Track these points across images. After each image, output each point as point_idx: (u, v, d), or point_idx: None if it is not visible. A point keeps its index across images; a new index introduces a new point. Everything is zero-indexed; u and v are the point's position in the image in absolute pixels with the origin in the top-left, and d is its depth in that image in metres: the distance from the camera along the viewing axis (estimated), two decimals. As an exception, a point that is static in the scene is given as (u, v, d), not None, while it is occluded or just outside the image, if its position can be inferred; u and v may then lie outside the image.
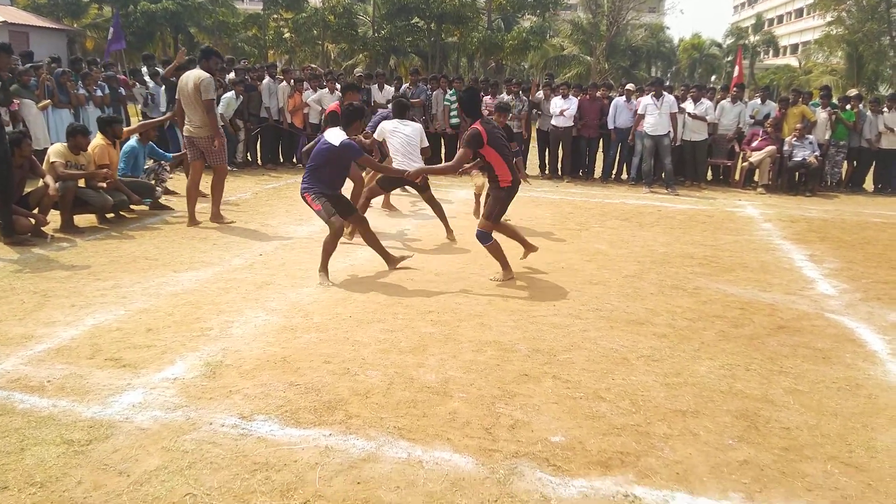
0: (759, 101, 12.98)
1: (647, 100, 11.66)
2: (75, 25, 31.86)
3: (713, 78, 49.33)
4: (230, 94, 11.36)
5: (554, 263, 6.75)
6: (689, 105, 12.14)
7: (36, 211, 6.99)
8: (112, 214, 7.94)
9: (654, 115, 11.53)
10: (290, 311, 5.09)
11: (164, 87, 11.55)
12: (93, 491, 2.82)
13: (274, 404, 3.62)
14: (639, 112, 11.77)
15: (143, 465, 3.01)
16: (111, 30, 15.61)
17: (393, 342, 4.56)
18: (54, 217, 7.21)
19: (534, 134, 13.33)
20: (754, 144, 12.27)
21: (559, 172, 13.03)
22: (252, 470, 3.00)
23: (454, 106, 12.76)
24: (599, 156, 13.12)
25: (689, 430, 3.52)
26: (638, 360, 4.40)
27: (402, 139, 7.33)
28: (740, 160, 12.70)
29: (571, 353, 4.46)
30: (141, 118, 12.11)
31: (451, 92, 12.97)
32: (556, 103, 12.43)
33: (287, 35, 32.24)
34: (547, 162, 13.16)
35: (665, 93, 11.67)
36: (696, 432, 3.50)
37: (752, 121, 12.52)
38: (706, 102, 12.21)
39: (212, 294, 5.45)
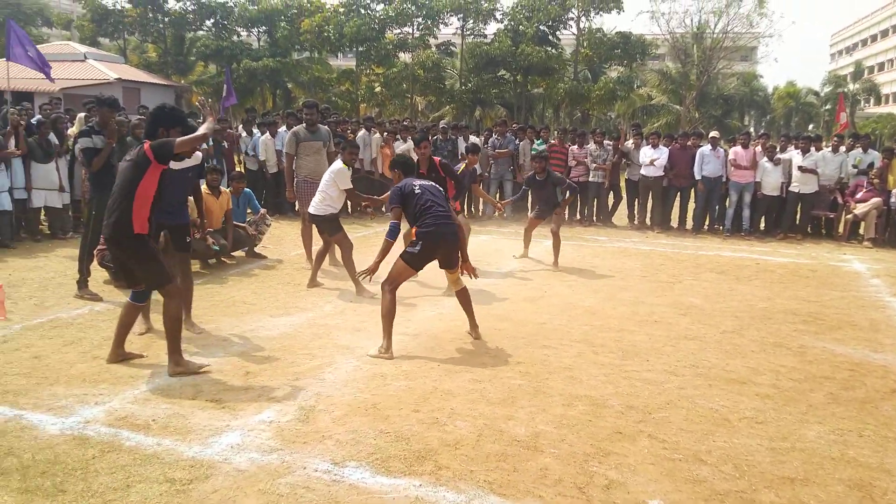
0: (860, 150, 12.41)
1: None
2: (182, 82, 34.09)
3: (811, 126, 47.63)
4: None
5: (645, 317, 6.57)
6: (796, 157, 11.76)
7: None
8: (214, 260, 8.33)
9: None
10: (380, 358, 5.14)
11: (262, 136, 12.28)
12: (193, 530, 2.89)
13: (365, 451, 3.64)
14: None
15: (240, 507, 3.07)
16: (225, 87, 16.64)
17: (481, 392, 4.52)
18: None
19: (623, 184, 13.18)
20: (858, 196, 11.68)
21: (648, 223, 12.79)
22: (344, 518, 3.01)
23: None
24: (692, 206, 12.80)
25: (798, 498, 3.31)
26: (740, 422, 4.19)
27: None
28: (844, 212, 12.11)
29: (668, 412, 4.30)
30: (243, 167, 12.76)
31: (538, 142, 13.03)
32: (646, 153, 12.27)
33: (378, 89, 33.38)
34: (636, 212, 12.95)
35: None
36: (805, 502, 3.28)
37: (855, 171, 11.96)
38: (815, 154, 11.78)
39: (305, 339, 5.58)
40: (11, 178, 9.11)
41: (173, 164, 5.44)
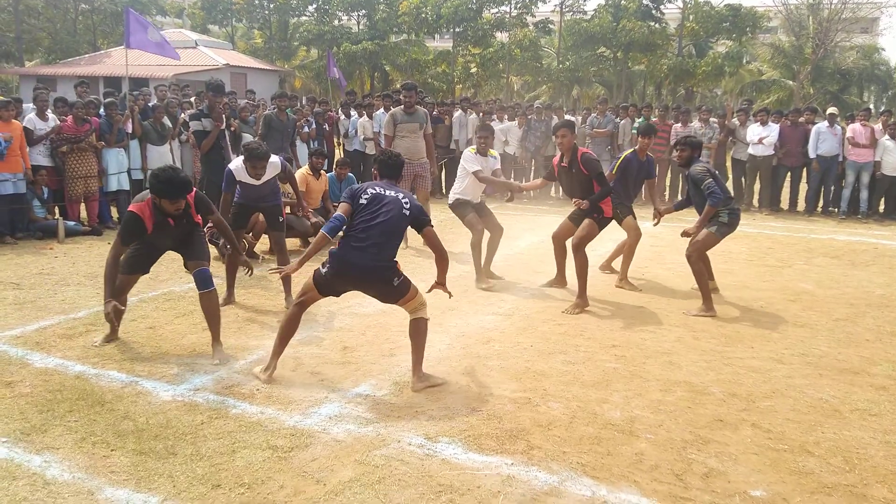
0: None
1: None
2: (286, 66, 35.25)
3: (939, 101, 43.78)
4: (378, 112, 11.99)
5: (751, 302, 6.28)
6: None
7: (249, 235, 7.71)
8: (314, 238, 8.57)
9: None
10: (472, 338, 5.17)
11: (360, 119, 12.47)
12: (293, 496, 3.02)
13: (457, 428, 3.67)
14: None
15: (337, 475, 3.18)
16: (336, 70, 17.18)
17: (575, 375, 4.47)
18: (264, 240, 7.92)
19: (728, 163, 12.61)
20: None
21: (756, 204, 12.19)
22: (437, 491, 3.05)
23: (641, 134, 12.40)
24: (803, 187, 12.10)
25: (917, 498, 3.09)
26: (852, 414, 3.95)
27: None
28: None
29: (773, 401, 4.11)
30: (342, 149, 13.05)
31: (640, 120, 12.64)
32: (754, 130, 11.67)
33: (474, 70, 33.33)
34: (743, 193, 12.36)
35: None
36: (926, 502, 3.06)
37: None
38: None
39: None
40: (130, 159, 9.72)
41: (254, 181, 5.67)
